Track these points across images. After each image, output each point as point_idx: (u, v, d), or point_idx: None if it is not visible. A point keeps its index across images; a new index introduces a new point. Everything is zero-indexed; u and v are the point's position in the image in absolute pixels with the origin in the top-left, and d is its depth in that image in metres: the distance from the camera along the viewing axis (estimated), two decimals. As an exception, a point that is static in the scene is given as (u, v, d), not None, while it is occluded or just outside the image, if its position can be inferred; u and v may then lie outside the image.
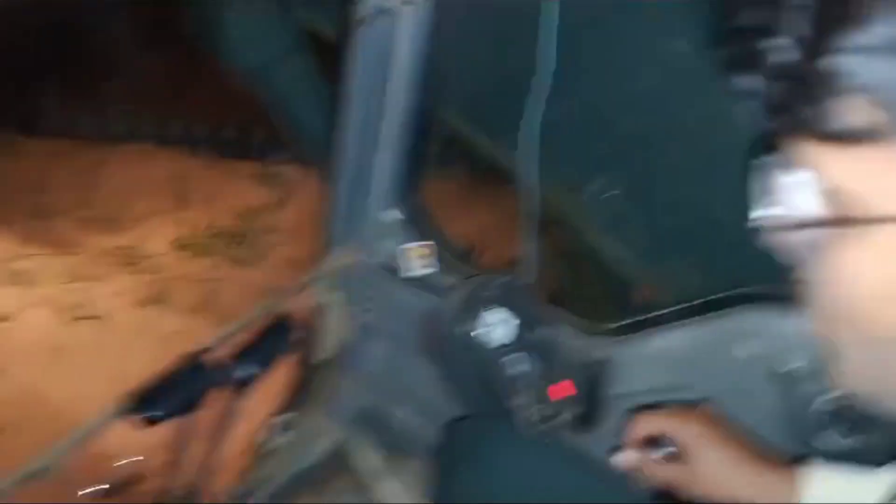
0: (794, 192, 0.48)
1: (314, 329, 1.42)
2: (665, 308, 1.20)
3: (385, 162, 1.35)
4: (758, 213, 0.51)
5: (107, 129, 5.02)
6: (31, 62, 4.56)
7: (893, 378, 0.49)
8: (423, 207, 1.44)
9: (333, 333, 1.41)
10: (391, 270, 1.36)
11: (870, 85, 0.41)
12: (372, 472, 1.49)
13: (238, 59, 1.74)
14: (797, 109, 0.44)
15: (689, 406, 1.05)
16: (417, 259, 1.33)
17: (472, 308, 1.16)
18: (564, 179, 1.49)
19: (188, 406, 0.96)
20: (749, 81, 0.46)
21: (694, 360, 1.15)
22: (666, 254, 1.37)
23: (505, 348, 1.19)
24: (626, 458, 1.02)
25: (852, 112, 0.42)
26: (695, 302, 1.17)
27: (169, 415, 0.93)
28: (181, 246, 4.15)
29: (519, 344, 1.20)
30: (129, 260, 4.02)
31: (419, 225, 1.38)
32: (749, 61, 0.45)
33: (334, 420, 1.48)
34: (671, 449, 0.98)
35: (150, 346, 3.47)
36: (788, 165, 0.48)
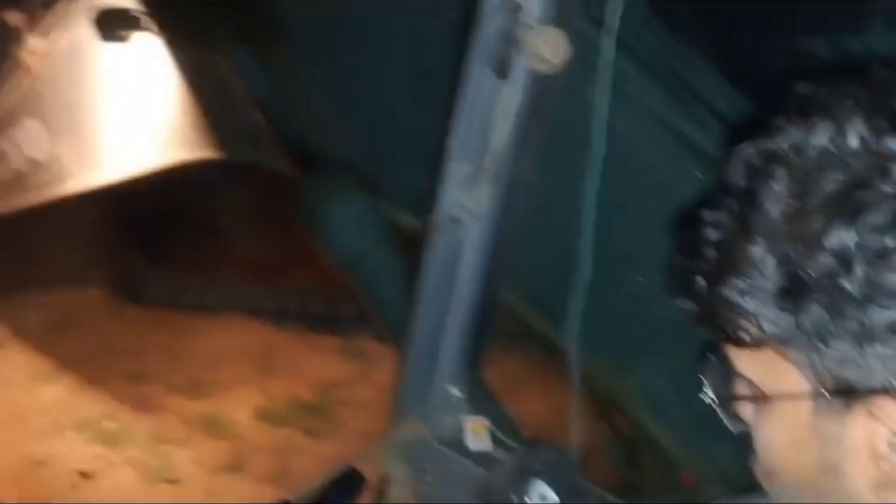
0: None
1: (380, 496, 1.51)
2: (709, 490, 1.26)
3: (450, 344, 1.51)
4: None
5: (203, 299, 5.43)
6: (140, 231, 5.06)
7: None
8: (483, 387, 1.57)
9: (395, 502, 1.50)
10: (450, 444, 1.47)
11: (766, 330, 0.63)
12: None
13: (335, 247, 1.98)
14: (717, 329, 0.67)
15: None
16: (474, 434, 1.44)
17: (520, 482, 1.24)
18: (614, 362, 1.60)
19: None
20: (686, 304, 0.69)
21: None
22: (706, 441, 1.43)
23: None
24: None
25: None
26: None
27: None
28: (261, 415, 4.33)
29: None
30: (211, 426, 4.21)
31: (478, 402, 1.51)
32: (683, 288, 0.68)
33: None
34: None
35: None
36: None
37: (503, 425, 1.54)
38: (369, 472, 1.53)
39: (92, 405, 4.24)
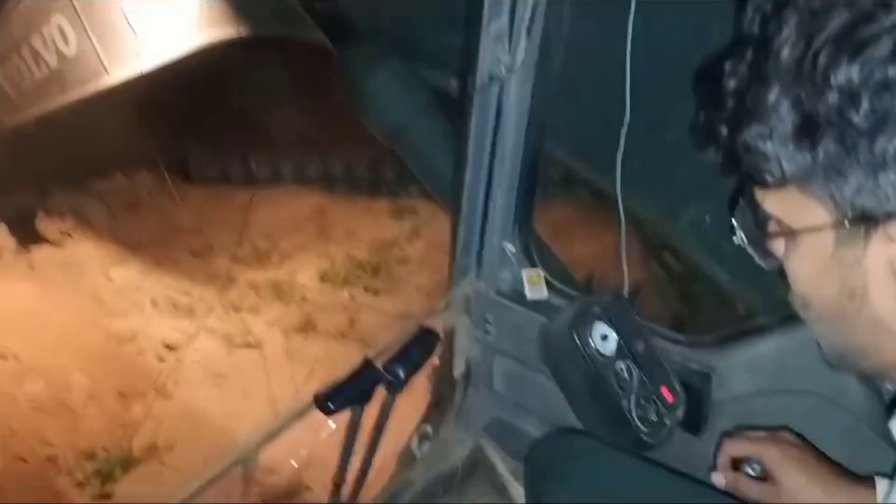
0: None
1: (448, 350, 1.63)
2: (761, 318, 1.31)
3: (500, 200, 1.54)
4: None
5: (253, 174, 5.54)
6: (186, 113, 5.12)
7: None
8: (536, 238, 1.62)
9: (462, 354, 1.61)
10: (508, 295, 1.55)
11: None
12: (505, 476, 1.68)
13: (379, 117, 1.99)
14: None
15: (772, 430, 1.15)
16: (531, 284, 1.51)
17: (581, 325, 1.32)
18: (663, 205, 1.63)
19: (361, 398, 1.19)
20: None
21: (790, 363, 1.25)
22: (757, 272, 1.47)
23: (613, 359, 1.34)
24: (719, 478, 1.13)
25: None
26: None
27: (346, 404, 1.16)
28: (324, 278, 4.53)
29: (625, 355, 1.35)
30: (279, 292, 4.43)
31: (531, 254, 1.57)
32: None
33: (468, 430, 1.68)
34: (756, 468, 1.10)
35: (299, 369, 3.83)
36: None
37: (558, 273, 1.60)
38: (437, 326, 1.63)
39: (164, 282, 4.48)
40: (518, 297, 1.54)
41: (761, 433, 1.15)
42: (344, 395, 1.14)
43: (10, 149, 4.22)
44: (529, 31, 1.31)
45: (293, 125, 5.20)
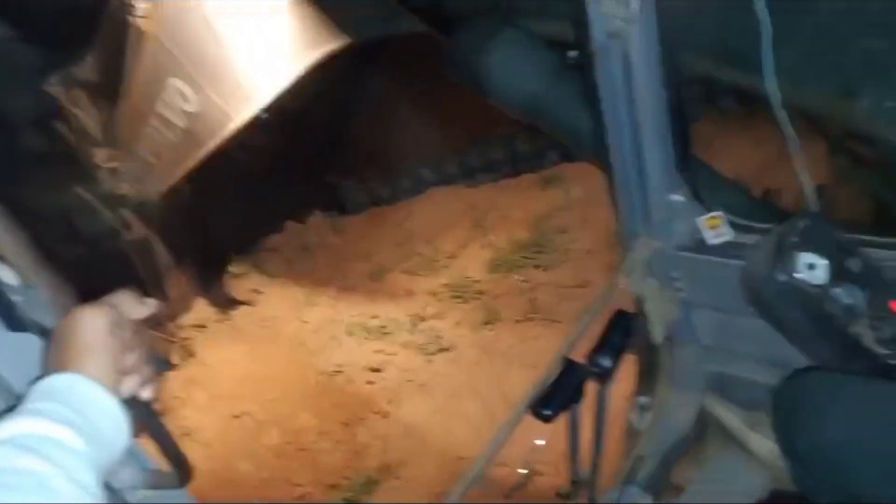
0: None
1: (642, 317, 1.57)
2: None
3: (653, 153, 1.47)
4: None
5: (398, 189, 5.70)
6: (318, 150, 5.35)
7: None
8: (704, 179, 1.52)
9: (658, 317, 1.55)
10: (690, 248, 1.47)
11: None
12: (738, 428, 1.59)
13: (510, 95, 1.89)
14: None
15: None
16: (711, 230, 1.42)
17: (783, 262, 1.22)
18: (833, 93, 1.47)
19: (574, 398, 1.18)
20: None
21: None
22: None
23: (827, 287, 1.22)
24: None
25: None
26: None
27: (561, 409, 1.16)
28: (493, 267, 4.56)
29: (840, 277, 1.23)
30: (456, 293, 4.52)
31: (702, 199, 1.47)
32: None
33: (687, 392, 1.61)
34: None
35: (497, 361, 3.90)
36: None
37: (738, 206, 1.49)
38: (624, 297, 1.58)
39: (352, 312, 4.72)
40: (700, 246, 1.46)
41: None
42: (557, 399, 1.13)
43: (179, 221, 4.62)
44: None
45: (416, 130, 5.28)
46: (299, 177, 5.16)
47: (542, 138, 4.73)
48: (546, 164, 4.96)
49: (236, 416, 4.03)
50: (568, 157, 4.72)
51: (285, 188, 5.07)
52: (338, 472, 3.61)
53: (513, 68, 1.89)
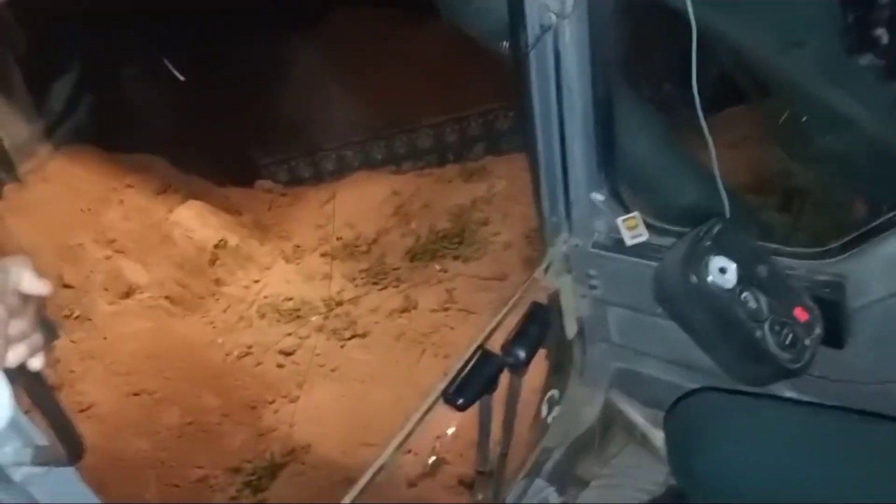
0: None
1: (557, 312, 1.59)
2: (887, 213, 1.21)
3: (578, 151, 1.48)
4: None
5: (322, 169, 5.60)
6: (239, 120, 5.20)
7: None
8: (625, 180, 1.54)
9: (571, 314, 1.57)
10: (607, 247, 1.49)
11: None
12: (642, 425, 1.64)
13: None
14: None
15: None
16: (629, 230, 1.44)
17: (695, 264, 1.25)
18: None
19: (488, 388, 1.18)
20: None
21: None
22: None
23: (736, 291, 1.26)
24: None
25: None
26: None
27: (475, 398, 1.15)
28: (413, 256, 4.55)
29: (748, 282, 1.27)
30: (374, 277, 4.48)
31: (622, 199, 1.50)
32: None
33: (595, 387, 1.65)
34: None
35: (411, 349, 3.89)
36: None
37: (655, 209, 1.51)
38: (540, 291, 1.59)
39: (264, 291, 4.61)
40: (618, 245, 1.48)
41: None
42: (471, 388, 1.13)
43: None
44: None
45: (345, 110, 5.20)
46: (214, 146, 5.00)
47: (470, 130, 4.74)
48: (472, 156, 4.98)
49: (136, 394, 3.87)
50: (494, 150, 4.75)
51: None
52: (240, 455, 3.52)
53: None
